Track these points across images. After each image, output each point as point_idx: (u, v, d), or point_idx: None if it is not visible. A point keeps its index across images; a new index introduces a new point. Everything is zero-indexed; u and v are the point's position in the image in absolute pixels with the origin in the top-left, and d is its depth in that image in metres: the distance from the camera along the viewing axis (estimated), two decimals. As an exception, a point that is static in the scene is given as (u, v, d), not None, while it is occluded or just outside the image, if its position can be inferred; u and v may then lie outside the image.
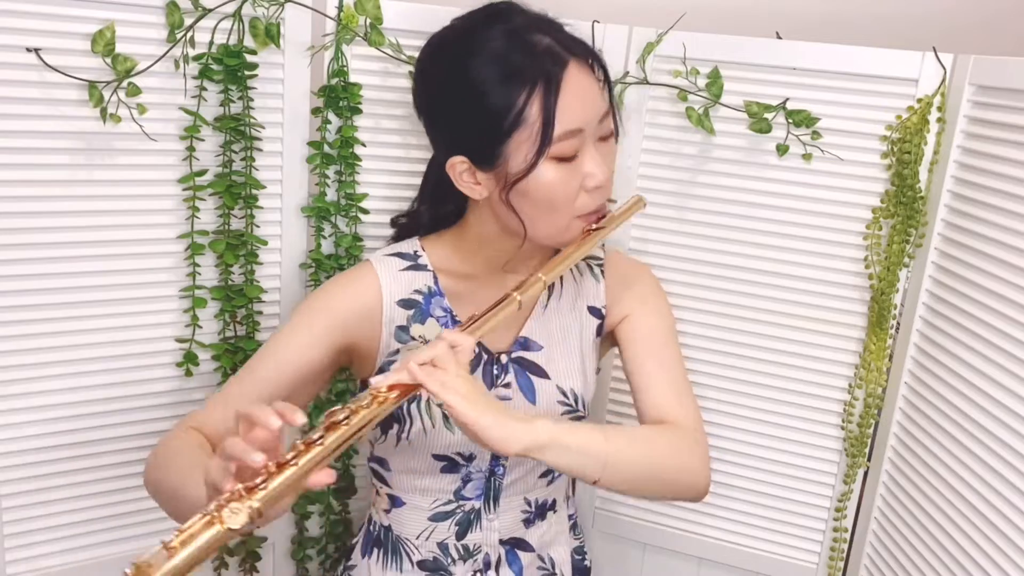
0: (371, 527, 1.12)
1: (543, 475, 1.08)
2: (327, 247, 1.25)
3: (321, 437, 0.74)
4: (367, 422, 0.77)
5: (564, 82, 0.89)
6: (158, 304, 1.17)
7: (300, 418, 0.73)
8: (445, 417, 0.99)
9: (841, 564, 1.31)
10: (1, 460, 1.11)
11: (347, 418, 0.76)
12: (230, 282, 1.20)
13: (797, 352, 1.27)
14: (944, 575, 1.10)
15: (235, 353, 1.22)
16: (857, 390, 1.24)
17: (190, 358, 1.19)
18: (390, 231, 1.26)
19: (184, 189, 1.15)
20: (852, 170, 1.19)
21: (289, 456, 0.72)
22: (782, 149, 1.20)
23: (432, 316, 1.03)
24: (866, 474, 1.28)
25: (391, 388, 0.80)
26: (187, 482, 0.85)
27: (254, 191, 1.18)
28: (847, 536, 1.31)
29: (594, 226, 0.97)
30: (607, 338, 1.12)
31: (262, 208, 1.20)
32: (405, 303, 1.02)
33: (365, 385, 1.02)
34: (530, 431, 0.84)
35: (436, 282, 1.04)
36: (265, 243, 1.21)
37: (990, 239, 1.05)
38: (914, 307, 1.19)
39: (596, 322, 1.09)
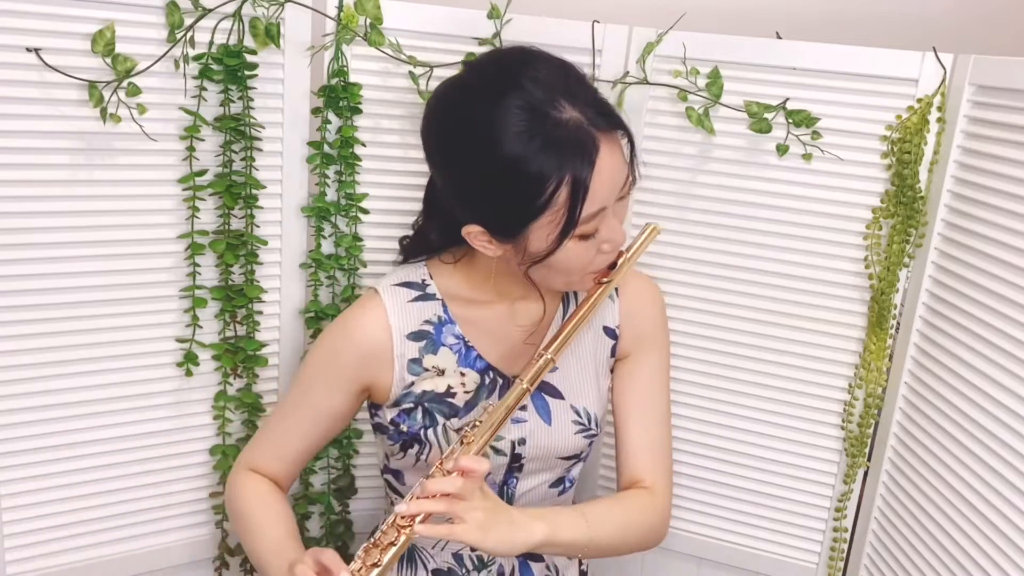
0: None
1: (554, 485, 1.09)
2: (327, 247, 1.25)
3: None
4: (398, 550, 0.90)
5: (597, 162, 0.87)
6: (158, 304, 1.17)
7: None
8: (461, 443, 0.99)
9: (841, 564, 1.31)
10: (1, 460, 1.11)
11: (381, 553, 0.90)
12: (230, 282, 1.20)
13: (797, 352, 1.27)
14: (944, 575, 1.10)
15: (235, 353, 1.22)
16: (857, 390, 1.24)
17: (190, 358, 1.19)
18: (390, 231, 1.27)
19: (184, 189, 1.15)
20: (852, 170, 1.19)
21: None
22: (782, 149, 1.20)
23: (444, 345, 1.03)
24: (866, 474, 1.28)
25: (415, 517, 0.90)
26: (263, 556, 1.01)
27: (254, 191, 1.18)
28: (847, 536, 1.31)
29: (605, 280, 0.99)
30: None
31: (262, 208, 1.20)
32: (416, 335, 1.02)
33: (375, 407, 1.07)
34: (529, 540, 0.93)
35: (446, 310, 1.03)
36: (265, 243, 1.21)
37: (990, 239, 1.05)
38: (914, 307, 1.19)
39: (611, 343, 1.09)
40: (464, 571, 1.07)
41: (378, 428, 1.07)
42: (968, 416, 1.07)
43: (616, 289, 1.09)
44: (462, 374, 1.03)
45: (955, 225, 1.12)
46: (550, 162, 0.86)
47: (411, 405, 1.02)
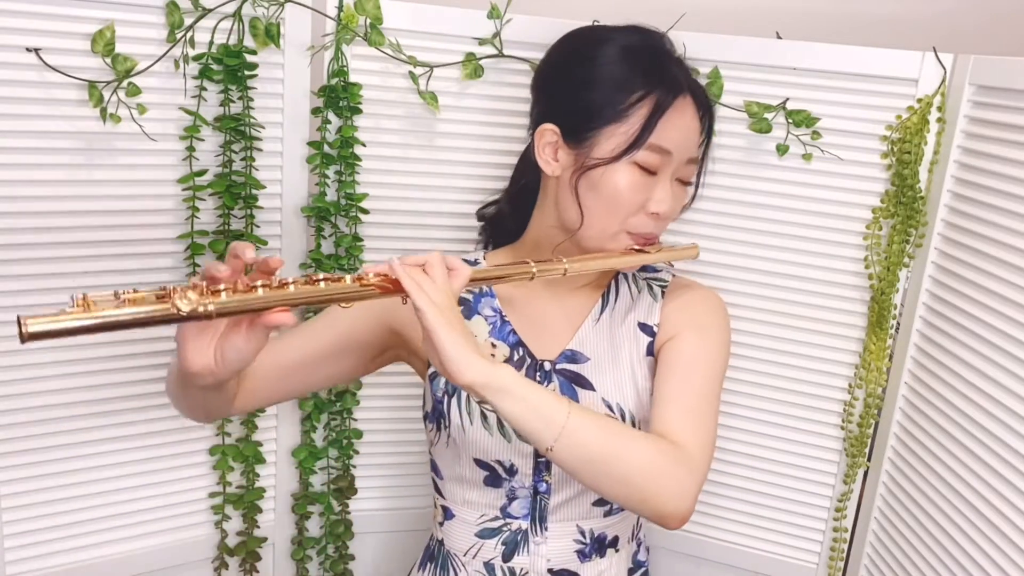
0: (430, 542, 1.11)
1: (597, 503, 1.03)
2: (327, 247, 1.25)
3: (294, 282, 0.75)
4: (339, 293, 0.77)
5: (675, 106, 0.94)
6: (158, 304, 1.17)
7: (250, 255, 0.74)
8: (483, 416, 0.98)
9: (841, 564, 1.31)
10: (1, 460, 1.11)
11: (324, 280, 0.76)
12: (230, 282, 1.20)
13: (797, 352, 1.27)
14: (944, 575, 1.11)
15: (235, 353, 1.22)
16: (857, 390, 1.24)
17: (190, 358, 1.19)
18: (390, 231, 1.27)
19: (184, 189, 1.15)
20: (852, 170, 1.19)
21: (256, 283, 0.73)
22: (782, 149, 1.20)
23: (479, 314, 1.03)
24: (866, 474, 1.28)
25: (376, 275, 0.80)
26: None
27: (254, 191, 1.18)
28: (847, 536, 1.31)
29: (637, 247, 0.98)
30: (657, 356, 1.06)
31: (262, 208, 1.20)
32: None
33: (431, 378, 1.01)
34: (488, 368, 0.81)
35: (489, 285, 1.04)
36: (265, 243, 1.21)
37: (990, 239, 1.05)
38: (914, 307, 1.19)
39: (647, 339, 1.04)
40: None
41: (425, 417, 1.04)
42: (968, 416, 1.07)
43: (663, 291, 1.06)
44: (493, 345, 1.02)
45: (955, 225, 1.12)
46: (643, 78, 0.93)
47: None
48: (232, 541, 1.30)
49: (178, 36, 1.08)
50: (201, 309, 0.69)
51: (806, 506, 1.32)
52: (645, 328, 1.04)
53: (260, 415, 1.26)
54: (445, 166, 1.26)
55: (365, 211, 1.25)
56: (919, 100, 1.14)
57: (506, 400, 0.82)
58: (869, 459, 1.27)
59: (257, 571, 1.33)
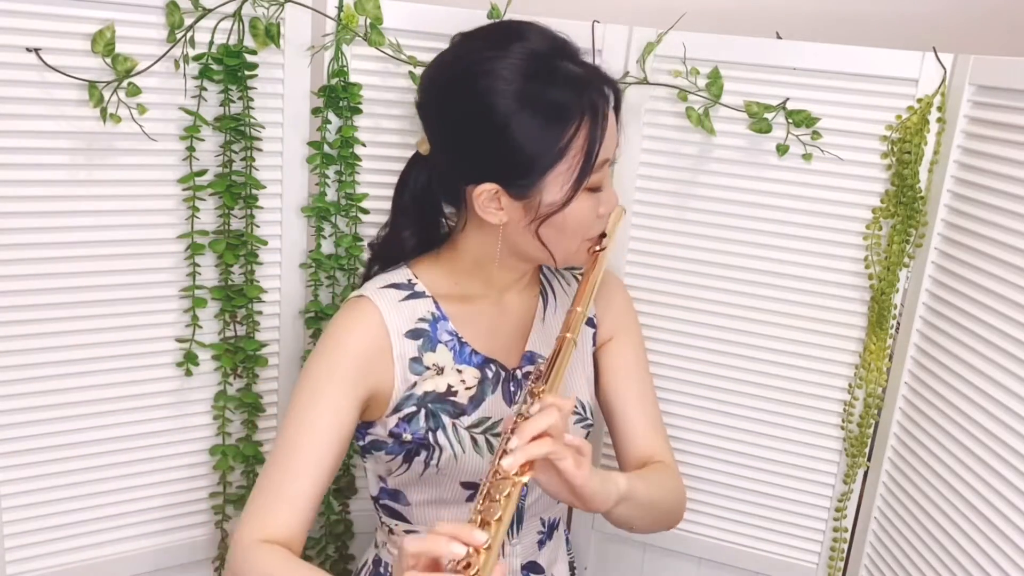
0: (380, 568, 1.07)
1: None
2: (327, 247, 1.25)
3: (489, 540, 0.75)
4: (512, 502, 0.80)
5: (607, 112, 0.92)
6: (158, 304, 1.17)
7: (481, 536, 0.74)
8: (474, 441, 0.98)
9: (841, 564, 1.31)
10: (1, 460, 1.11)
11: (493, 524, 0.77)
12: (230, 282, 1.20)
13: (797, 352, 1.27)
14: (944, 575, 1.10)
15: (235, 353, 1.22)
16: (857, 390, 1.24)
17: (190, 358, 1.19)
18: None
19: (184, 189, 1.15)
20: (852, 170, 1.19)
21: (471, 565, 0.74)
22: (782, 149, 1.20)
23: (440, 342, 1.00)
24: (866, 474, 1.28)
25: (522, 467, 0.81)
26: None
27: (254, 191, 1.18)
28: (847, 536, 1.31)
29: (598, 247, 0.99)
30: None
31: (262, 208, 1.20)
32: (413, 333, 0.99)
33: (367, 425, 0.99)
34: (617, 488, 0.90)
35: (438, 307, 1.01)
36: (265, 243, 1.21)
37: (990, 239, 1.05)
38: (914, 307, 1.19)
39: (591, 331, 1.10)
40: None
41: (372, 447, 1.00)
42: (968, 416, 1.07)
43: None
44: (459, 371, 1.00)
45: (955, 225, 1.12)
46: (568, 111, 0.89)
47: (413, 409, 0.98)
48: (232, 541, 1.30)
49: (178, 36, 1.08)
50: None
51: (806, 506, 1.32)
52: (588, 321, 1.10)
53: (260, 415, 1.26)
54: (445, 166, 1.26)
55: (365, 211, 1.25)
56: (919, 100, 1.14)
57: (622, 507, 0.93)
58: (869, 459, 1.27)
59: (257, 571, 1.33)
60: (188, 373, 1.20)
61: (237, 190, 1.17)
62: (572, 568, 1.20)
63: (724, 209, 1.25)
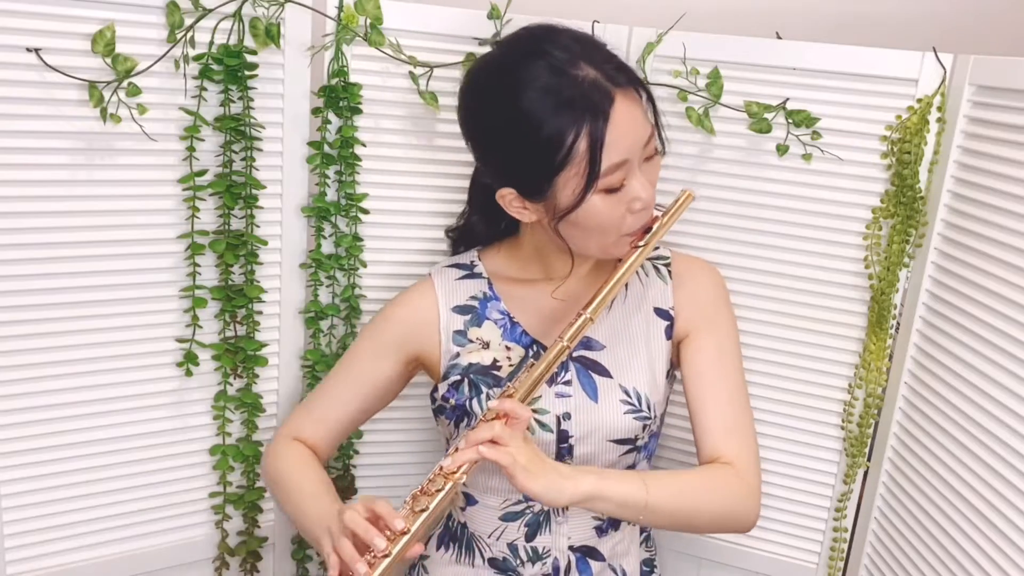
0: (449, 522, 1.14)
1: None
2: (327, 247, 1.25)
3: (414, 515, 0.91)
4: (446, 503, 0.92)
5: (611, 116, 0.92)
6: (158, 304, 1.17)
7: (399, 524, 0.89)
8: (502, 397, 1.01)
9: (841, 564, 1.31)
10: (1, 460, 1.11)
11: (424, 496, 0.91)
12: (230, 282, 1.20)
13: (797, 352, 1.27)
14: (944, 575, 1.11)
15: (235, 353, 1.22)
16: (857, 390, 1.24)
17: (190, 358, 1.19)
18: (390, 231, 1.27)
19: (184, 189, 1.15)
20: (852, 170, 1.19)
21: (399, 544, 0.89)
22: (782, 149, 1.20)
23: (488, 319, 1.08)
24: (866, 474, 1.28)
25: (460, 467, 0.92)
26: (301, 506, 1.06)
27: (254, 191, 1.18)
28: (847, 536, 1.31)
29: (640, 243, 0.99)
30: (677, 345, 1.11)
31: (262, 208, 1.20)
32: (461, 309, 1.09)
33: (435, 390, 1.10)
34: (577, 489, 0.93)
35: (491, 288, 1.09)
36: (265, 243, 1.21)
37: (990, 239, 1.05)
38: (914, 307, 1.19)
39: (665, 324, 1.08)
40: (519, 562, 1.07)
41: (438, 412, 1.09)
42: (968, 416, 1.07)
43: (669, 272, 1.10)
44: (507, 348, 1.06)
45: (955, 225, 1.12)
46: (566, 116, 0.91)
47: (458, 377, 1.06)
48: (233, 541, 1.30)
49: (178, 36, 1.08)
50: None
51: (806, 506, 1.32)
52: (661, 313, 1.09)
53: (260, 415, 1.26)
54: (445, 166, 1.26)
55: (365, 211, 1.25)
56: (919, 100, 1.14)
57: (597, 505, 0.96)
58: (869, 459, 1.27)
59: (258, 571, 1.33)
60: (188, 373, 1.20)
61: (237, 190, 1.17)
62: (652, 567, 1.19)
63: (724, 209, 1.25)
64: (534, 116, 0.91)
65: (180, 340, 1.19)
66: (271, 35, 1.13)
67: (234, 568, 1.32)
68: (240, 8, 1.11)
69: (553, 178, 0.93)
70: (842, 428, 1.27)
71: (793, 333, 1.26)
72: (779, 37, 1.21)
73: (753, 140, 1.22)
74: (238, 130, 1.15)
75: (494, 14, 1.18)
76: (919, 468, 1.16)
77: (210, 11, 1.09)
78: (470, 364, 1.06)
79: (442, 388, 1.07)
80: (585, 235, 0.98)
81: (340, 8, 1.16)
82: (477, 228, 1.15)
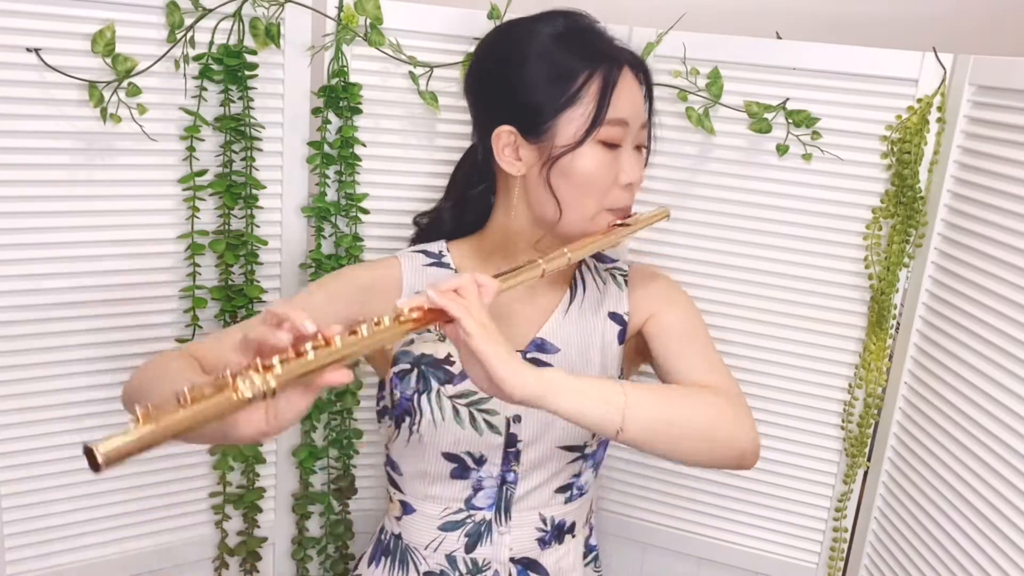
0: (382, 535, 1.11)
1: (560, 490, 1.05)
2: (327, 247, 1.25)
3: (339, 334, 0.72)
4: (385, 335, 0.75)
5: (621, 77, 0.96)
6: (158, 304, 1.17)
7: (311, 327, 0.71)
8: (456, 411, 0.99)
9: (841, 564, 1.31)
10: (1, 460, 1.11)
11: (364, 324, 0.74)
12: (230, 282, 1.20)
13: (797, 352, 1.27)
14: (944, 575, 1.11)
15: (235, 353, 1.22)
16: (857, 390, 1.24)
17: (190, 358, 1.19)
18: (390, 231, 1.27)
19: (184, 189, 1.15)
20: (852, 170, 1.19)
21: (306, 347, 0.70)
22: (782, 149, 1.20)
23: None
24: (866, 474, 1.28)
25: (412, 310, 0.78)
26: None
27: (254, 191, 1.18)
28: (847, 536, 1.31)
29: (619, 222, 1.00)
30: (637, 349, 1.10)
31: (262, 208, 1.20)
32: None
33: (380, 387, 1.05)
34: (538, 376, 0.81)
35: None
36: (265, 243, 1.21)
37: (990, 239, 1.05)
38: (914, 307, 1.19)
39: (617, 328, 1.07)
40: (457, 574, 1.04)
41: (381, 413, 1.06)
42: (968, 416, 1.07)
43: (626, 280, 1.10)
44: None
45: (955, 225, 1.12)
46: (583, 58, 0.95)
47: (407, 366, 1.01)
48: (232, 541, 1.30)
49: (178, 36, 1.08)
50: (264, 388, 0.66)
51: (806, 506, 1.32)
52: (615, 317, 1.08)
53: (260, 415, 1.26)
54: (445, 166, 1.26)
55: (365, 211, 1.25)
56: (919, 100, 1.14)
57: (563, 399, 0.82)
58: (869, 459, 1.27)
59: (257, 571, 1.33)
60: (188, 373, 1.20)
61: (237, 190, 1.17)
62: None
63: (724, 209, 1.25)
64: (552, 53, 0.95)
65: (180, 340, 1.19)
66: (271, 35, 1.13)
67: (234, 568, 1.32)
68: (240, 8, 1.11)
69: (558, 114, 0.95)
70: (842, 428, 1.27)
71: (793, 333, 1.26)
72: (779, 37, 1.21)
73: (753, 140, 1.22)
74: (238, 130, 1.15)
75: (494, 14, 1.18)
76: (919, 468, 1.16)
77: (210, 11, 1.09)
78: (423, 354, 1.01)
79: (390, 374, 1.01)
80: (572, 192, 0.96)
81: (340, 8, 1.16)
82: (444, 217, 1.11)
